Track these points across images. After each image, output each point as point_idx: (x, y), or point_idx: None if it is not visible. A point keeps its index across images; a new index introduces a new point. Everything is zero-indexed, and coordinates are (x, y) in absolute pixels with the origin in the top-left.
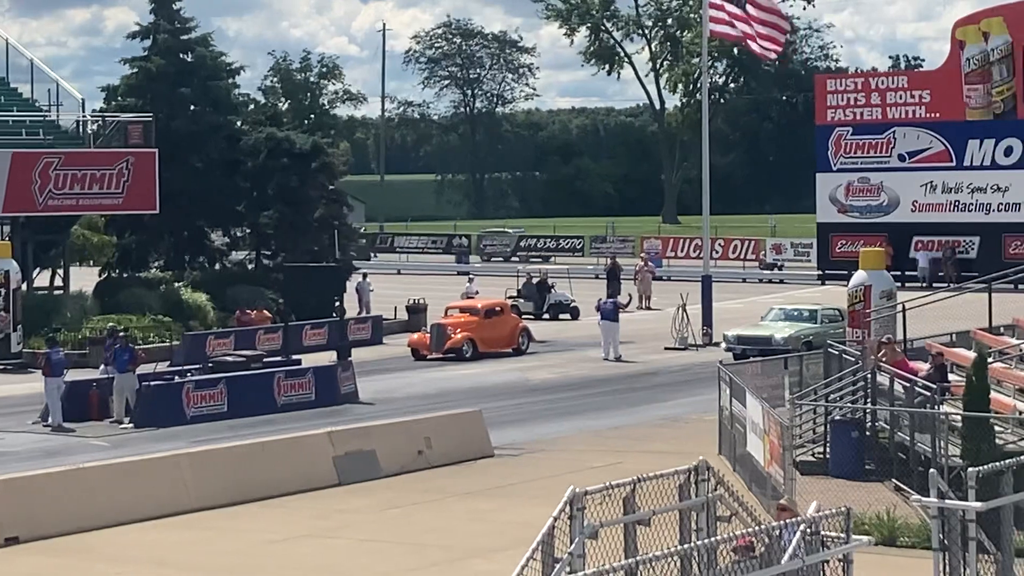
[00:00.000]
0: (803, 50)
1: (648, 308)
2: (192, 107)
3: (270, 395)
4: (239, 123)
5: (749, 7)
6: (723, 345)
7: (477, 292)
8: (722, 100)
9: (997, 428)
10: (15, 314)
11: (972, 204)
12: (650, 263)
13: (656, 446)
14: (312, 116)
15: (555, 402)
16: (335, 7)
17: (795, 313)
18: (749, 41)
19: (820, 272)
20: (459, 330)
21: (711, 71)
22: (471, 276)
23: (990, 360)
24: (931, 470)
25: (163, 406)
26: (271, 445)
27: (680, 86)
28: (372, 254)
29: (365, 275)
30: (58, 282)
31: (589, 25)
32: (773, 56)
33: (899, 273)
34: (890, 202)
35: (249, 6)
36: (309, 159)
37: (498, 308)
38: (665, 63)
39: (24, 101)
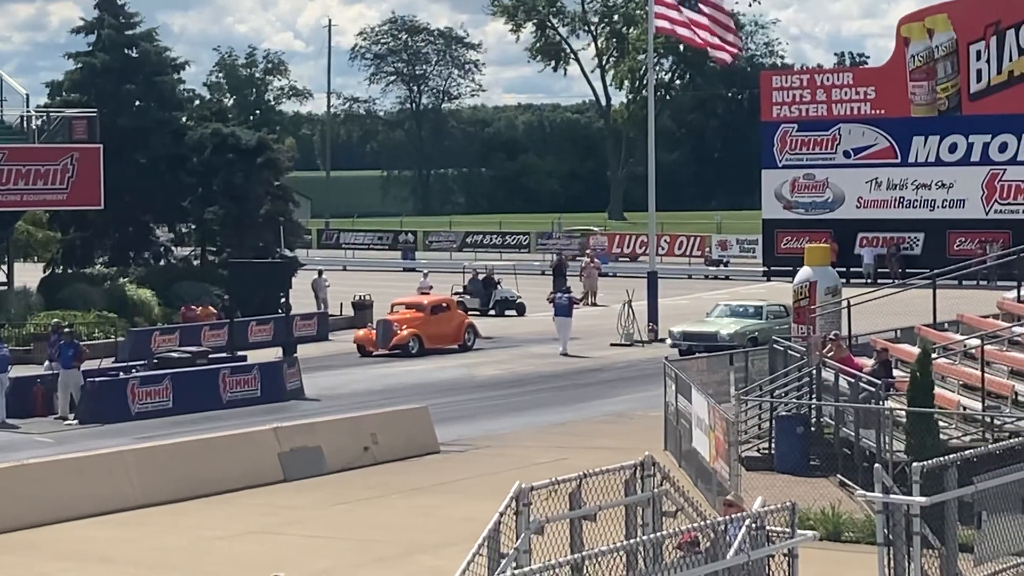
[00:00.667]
0: (748, 47)
1: (594, 304)
2: (137, 103)
3: (215, 391)
4: (184, 119)
5: (701, 6)
6: (669, 341)
7: (431, 287)
8: (668, 97)
9: (941, 423)
10: None
11: (917, 201)
12: (596, 259)
13: (602, 442)
14: (258, 112)
15: (501, 398)
16: (280, 3)
17: (740, 309)
18: (695, 38)
19: (765, 268)
20: (405, 326)
21: (657, 68)
22: (425, 271)
23: (934, 356)
24: (876, 465)
25: (108, 402)
26: (217, 441)
27: (626, 82)
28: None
29: (321, 272)
30: (2, 278)
31: (535, 21)
32: (729, 59)
33: (844, 269)
34: (835, 198)
35: (194, 1)
36: (255, 155)
37: (444, 304)
38: (611, 59)
39: None
